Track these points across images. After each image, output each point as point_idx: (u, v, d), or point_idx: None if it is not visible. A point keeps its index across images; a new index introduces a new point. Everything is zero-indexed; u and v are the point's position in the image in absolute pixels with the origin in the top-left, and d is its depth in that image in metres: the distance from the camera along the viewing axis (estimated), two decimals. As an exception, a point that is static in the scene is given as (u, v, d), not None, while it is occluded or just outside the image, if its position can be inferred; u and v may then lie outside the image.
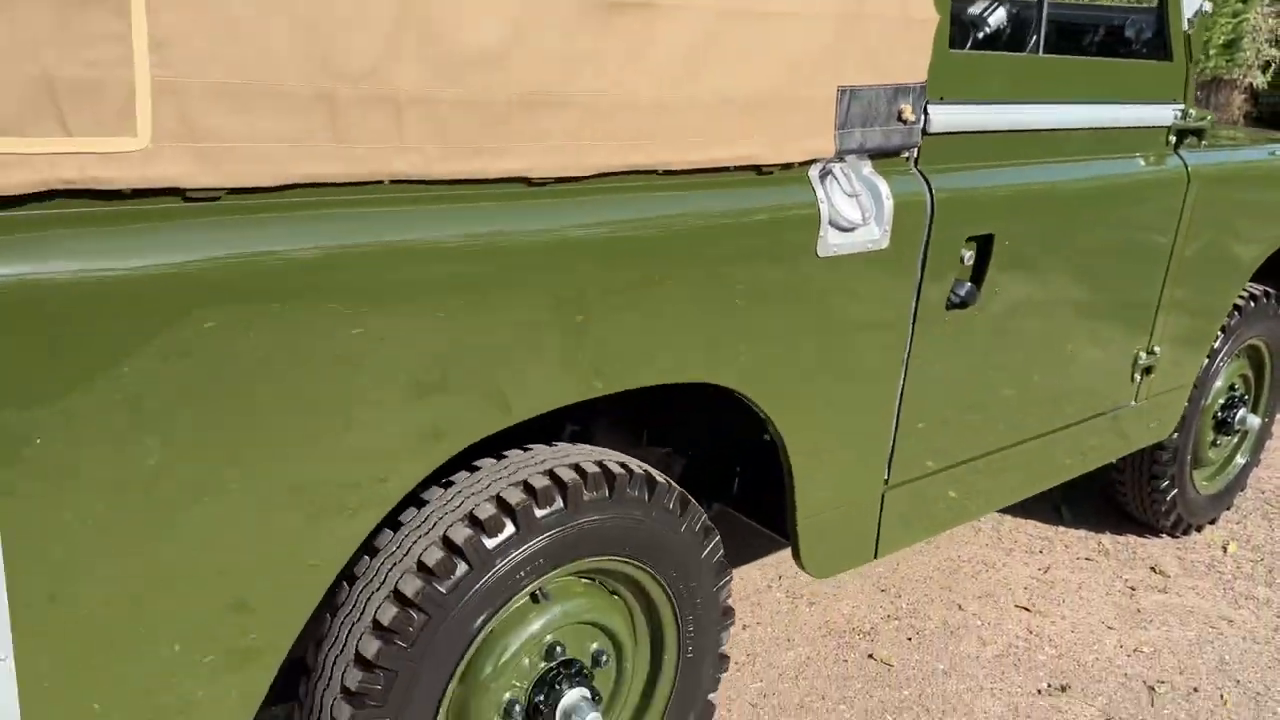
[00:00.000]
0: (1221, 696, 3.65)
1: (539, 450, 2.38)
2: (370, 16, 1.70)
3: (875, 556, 3.06)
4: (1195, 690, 3.68)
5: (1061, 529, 4.74)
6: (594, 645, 2.54)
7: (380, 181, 1.82)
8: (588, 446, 2.45)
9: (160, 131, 1.55)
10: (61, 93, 1.46)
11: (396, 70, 1.75)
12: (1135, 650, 3.88)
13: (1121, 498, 4.59)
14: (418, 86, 1.78)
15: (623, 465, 2.38)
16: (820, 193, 2.48)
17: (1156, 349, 3.74)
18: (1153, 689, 3.67)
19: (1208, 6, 3.42)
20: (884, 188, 2.60)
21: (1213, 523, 4.81)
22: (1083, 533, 4.73)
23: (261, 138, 1.65)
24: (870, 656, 3.72)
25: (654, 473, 2.46)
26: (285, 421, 1.77)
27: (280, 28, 1.62)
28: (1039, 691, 3.62)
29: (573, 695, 2.47)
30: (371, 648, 2.10)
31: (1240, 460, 4.80)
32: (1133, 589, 4.30)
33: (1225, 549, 4.68)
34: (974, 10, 3.41)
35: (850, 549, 2.96)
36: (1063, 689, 3.64)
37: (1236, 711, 3.58)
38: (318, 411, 1.80)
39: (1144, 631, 4.01)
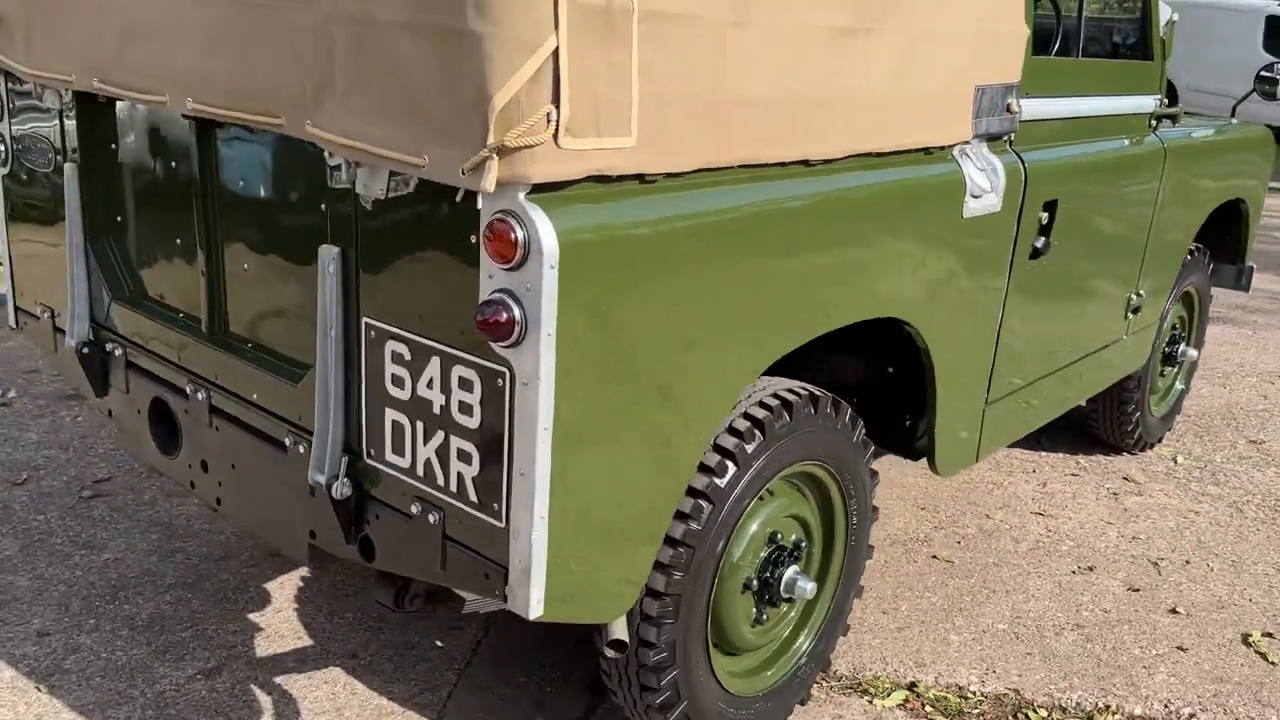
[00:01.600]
0: (1208, 565, 4.58)
1: (764, 380, 3.05)
2: (760, 58, 2.38)
3: (976, 460, 3.84)
4: (1188, 563, 4.61)
5: (1044, 453, 5.64)
6: (794, 535, 3.23)
7: (732, 166, 2.48)
8: (789, 380, 3.13)
9: (640, 134, 2.17)
10: (601, 107, 2.07)
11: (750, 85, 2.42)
12: (1133, 538, 4.79)
13: (1093, 423, 5.53)
14: (763, 95, 2.45)
15: (819, 391, 3.07)
16: (964, 168, 3.24)
17: (1141, 291, 4.65)
18: (1155, 564, 4.58)
19: (1175, 16, 4.34)
20: (999, 164, 3.37)
21: (1160, 441, 5.80)
22: (1062, 455, 5.64)
23: (686, 137, 2.29)
24: (934, 557, 4.51)
25: (836, 398, 3.16)
26: (704, 324, 2.44)
27: (704, 64, 2.27)
28: (1072, 572, 4.47)
29: (790, 571, 3.16)
30: (677, 530, 2.73)
31: (1179, 387, 5.82)
32: (1115, 494, 5.23)
33: (1175, 460, 5.67)
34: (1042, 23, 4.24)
35: (964, 454, 3.73)
36: (1090, 569, 4.50)
37: (1221, 575, 4.51)
38: (722, 317, 2.47)
39: (1135, 524, 4.93)
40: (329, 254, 2.47)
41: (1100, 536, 4.79)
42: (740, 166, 2.50)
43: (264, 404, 2.84)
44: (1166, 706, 3.66)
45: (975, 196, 3.28)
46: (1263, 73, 5.31)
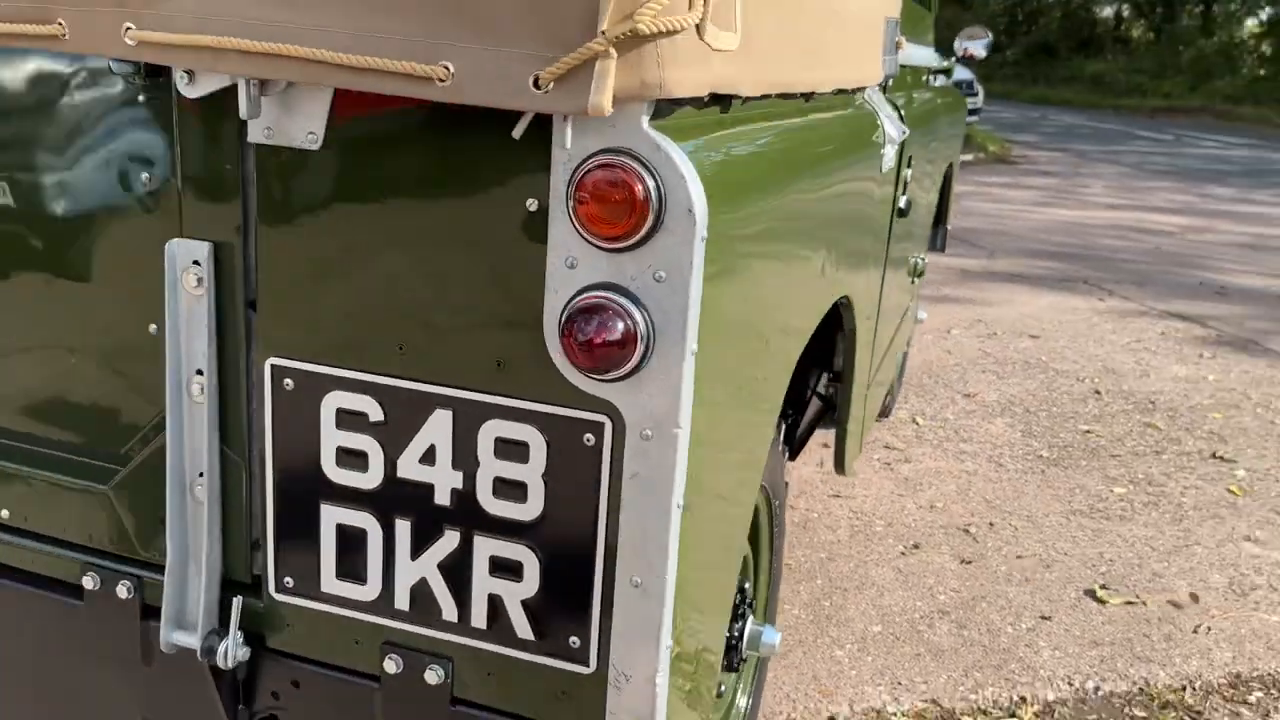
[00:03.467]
0: (1011, 525, 4.51)
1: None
2: None
3: (859, 451, 3.39)
4: (992, 525, 4.51)
5: (800, 432, 5.39)
6: (743, 576, 2.59)
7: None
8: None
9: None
10: None
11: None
12: (930, 507, 4.63)
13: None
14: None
15: None
16: (879, 113, 2.73)
17: (923, 256, 4.47)
18: (966, 531, 4.43)
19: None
20: (893, 111, 2.91)
21: (894, 405, 5.77)
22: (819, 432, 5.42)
23: (767, 50, 1.57)
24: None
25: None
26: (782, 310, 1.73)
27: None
28: (902, 554, 4.20)
29: (750, 624, 2.52)
30: None
31: (906, 349, 5.82)
32: (889, 464, 5.07)
33: (916, 422, 5.65)
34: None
35: (858, 445, 3.26)
36: (915, 547, 4.25)
37: (1027, 533, 4.45)
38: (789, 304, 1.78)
39: (923, 493, 4.78)
40: (189, 252, 1.45)
41: (901, 511, 4.57)
42: (778, 96, 1.79)
43: (23, 525, 1.70)
44: (1069, 682, 3.45)
45: (886, 147, 2.79)
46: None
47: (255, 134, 1.39)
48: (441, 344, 1.39)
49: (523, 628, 1.44)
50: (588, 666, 1.43)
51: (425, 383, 1.40)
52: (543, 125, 1.27)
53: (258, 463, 1.54)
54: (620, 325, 1.25)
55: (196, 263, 1.46)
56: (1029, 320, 7.73)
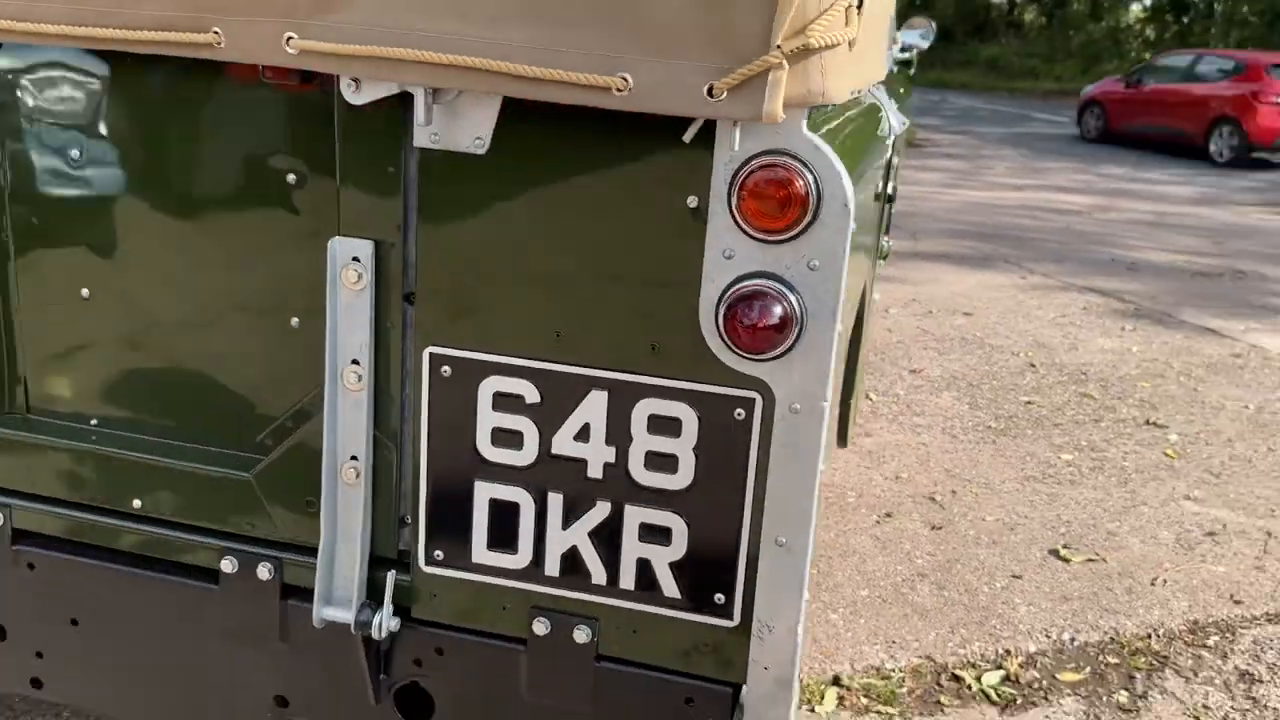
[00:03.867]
0: (972, 493, 4.78)
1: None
2: None
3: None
4: (954, 493, 4.77)
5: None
6: None
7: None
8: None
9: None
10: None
11: None
12: (896, 478, 4.87)
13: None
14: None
15: None
16: (884, 107, 2.91)
17: (891, 239, 4.69)
18: (933, 498, 4.68)
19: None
20: (893, 103, 3.09)
21: (847, 382, 6.02)
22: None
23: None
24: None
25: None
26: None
27: None
28: (877, 522, 4.43)
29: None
30: None
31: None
32: (852, 439, 5.30)
33: (870, 397, 5.90)
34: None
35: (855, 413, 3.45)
36: (888, 515, 4.49)
37: (987, 499, 4.73)
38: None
39: (887, 465, 5.02)
40: (349, 249, 1.55)
41: (870, 482, 4.81)
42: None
43: (156, 515, 1.78)
44: (1047, 635, 3.72)
45: (889, 137, 2.98)
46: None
47: (421, 139, 1.49)
48: (598, 331, 1.51)
49: (670, 588, 1.58)
50: (731, 620, 1.58)
51: (582, 366, 1.53)
52: (704, 129, 1.41)
53: (409, 445, 1.64)
54: (779, 310, 1.40)
55: (356, 259, 1.56)
56: (960, 298, 8.06)
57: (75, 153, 1.71)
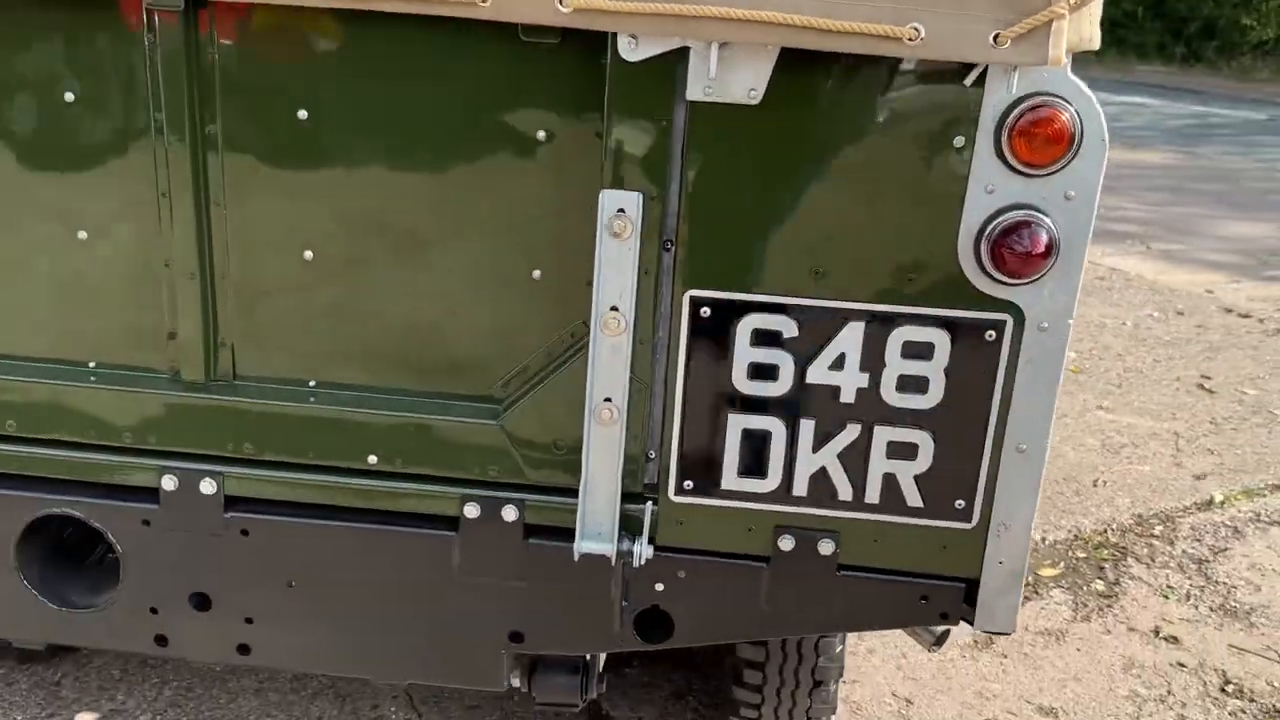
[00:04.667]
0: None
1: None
2: None
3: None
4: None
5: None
6: None
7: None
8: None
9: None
10: None
11: None
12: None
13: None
14: None
15: None
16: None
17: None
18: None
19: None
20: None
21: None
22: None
23: None
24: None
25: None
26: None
27: None
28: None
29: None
30: None
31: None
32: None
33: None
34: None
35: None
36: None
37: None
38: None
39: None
40: (616, 201, 1.62)
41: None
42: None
43: (392, 468, 1.81)
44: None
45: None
46: None
47: (695, 92, 1.57)
48: (857, 266, 1.64)
49: (913, 498, 1.74)
50: (969, 523, 1.75)
51: (840, 300, 1.65)
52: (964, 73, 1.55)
53: (661, 384, 1.73)
54: (1044, 237, 1.56)
55: (622, 210, 1.62)
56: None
57: (304, 114, 1.70)
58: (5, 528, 1.90)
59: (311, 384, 1.85)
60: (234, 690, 3.18)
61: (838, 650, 2.51)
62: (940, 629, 2.06)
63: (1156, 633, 3.70)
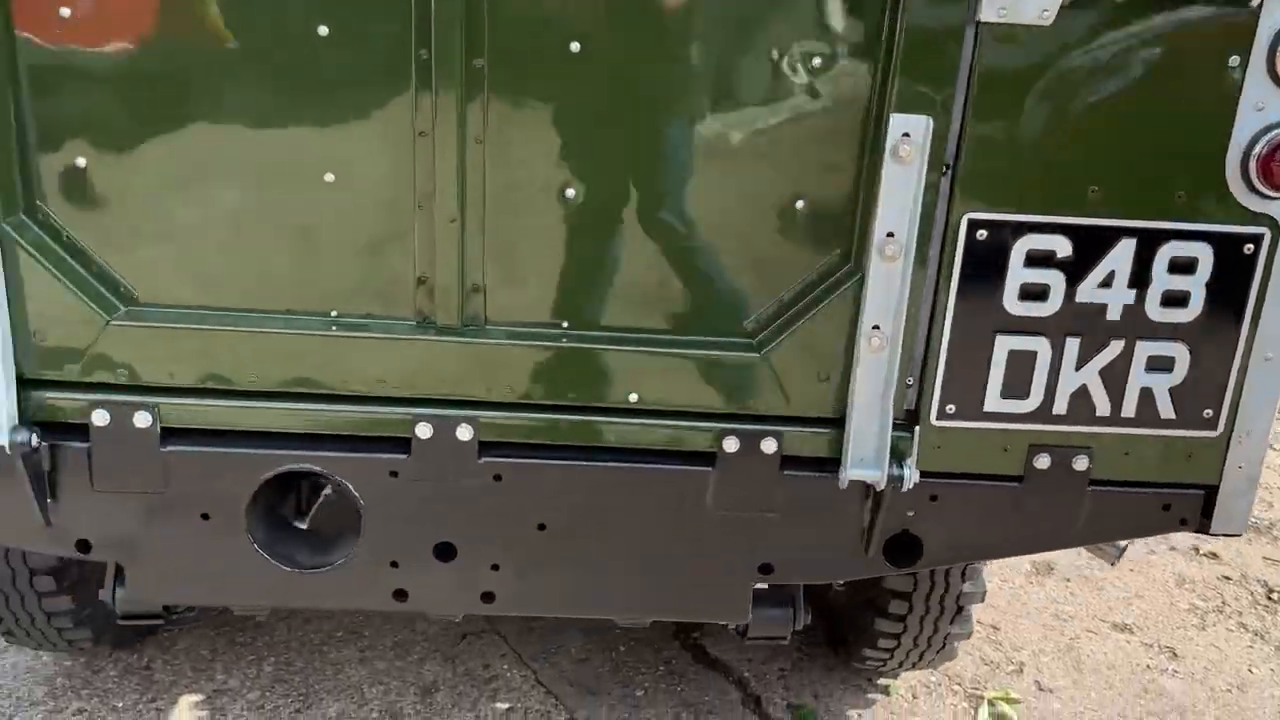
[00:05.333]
0: None
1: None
2: None
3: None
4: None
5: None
6: None
7: None
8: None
9: None
10: None
11: None
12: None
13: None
14: None
15: None
16: None
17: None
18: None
19: None
20: None
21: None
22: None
23: None
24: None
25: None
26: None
27: None
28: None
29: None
30: None
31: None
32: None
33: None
34: None
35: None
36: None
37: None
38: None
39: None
40: (901, 125, 1.64)
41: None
42: None
43: (653, 406, 1.80)
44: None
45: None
46: None
47: (989, 13, 1.59)
48: (1131, 184, 1.69)
49: (1166, 410, 1.80)
50: (1215, 431, 1.83)
51: (1114, 218, 1.70)
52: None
53: (924, 310, 1.75)
54: None
55: (906, 135, 1.63)
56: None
57: (576, 46, 1.65)
58: (238, 488, 1.81)
59: (564, 325, 1.82)
60: (336, 661, 3.11)
61: (982, 575, 2.59)
62: (1124, 544, 2.15)
63: (1196, 550, 3.91)
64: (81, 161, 1.69)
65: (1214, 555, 3.88)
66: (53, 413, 1.78)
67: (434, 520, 1.86)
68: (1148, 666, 3.27)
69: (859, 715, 2.98)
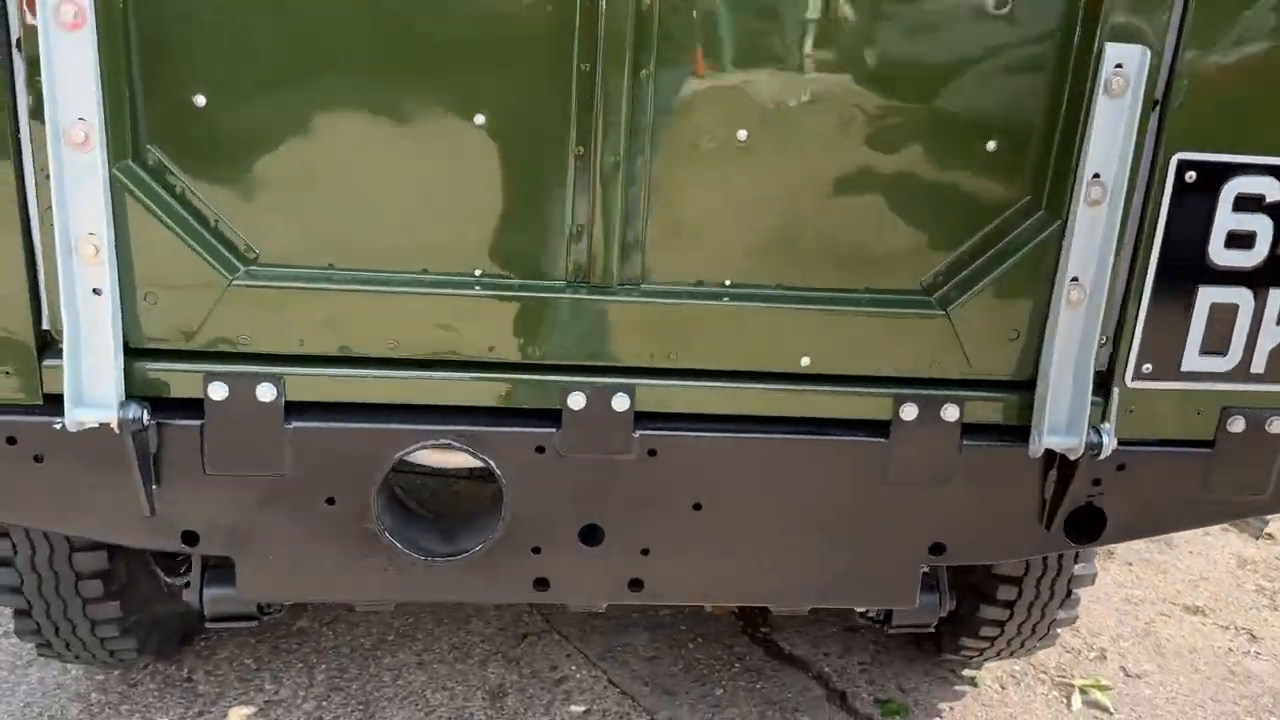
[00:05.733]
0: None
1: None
2: None
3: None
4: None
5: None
6: None
7: None
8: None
9: None
10: None
11: None
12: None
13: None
14: None
15: None
16: None
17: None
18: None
19: None
20: None
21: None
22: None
23: None
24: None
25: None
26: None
27: None
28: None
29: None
30: None
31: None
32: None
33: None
34: None
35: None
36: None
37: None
38: None
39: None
40: (1115, 55, 1.50)
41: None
42: None
43: (835, 369, 1.65)
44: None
45: None
46: None
47: None
48: None
49: (1365, 363, 1.69)
50: None
51: (1322, 158, 1.58)
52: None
53: (1125, 260, 1.61)
54: None
55: (1120, 66, 1.50)
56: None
57: None
58: (368, 469, 1.62)
59: (727, 283, 1.65)
60: (393, 666, 2.90)
61: (1095, 558, 2.47)
62: (1269, 517, 2.04)
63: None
64: (200, 100, 1.49)
65: (1270, 536, 3.81)
66: (162, 386, 1.57)
67: (581, 500, 1.68)
68: (1229, 649, 3.18)
69: (950, 709, 2.85)
